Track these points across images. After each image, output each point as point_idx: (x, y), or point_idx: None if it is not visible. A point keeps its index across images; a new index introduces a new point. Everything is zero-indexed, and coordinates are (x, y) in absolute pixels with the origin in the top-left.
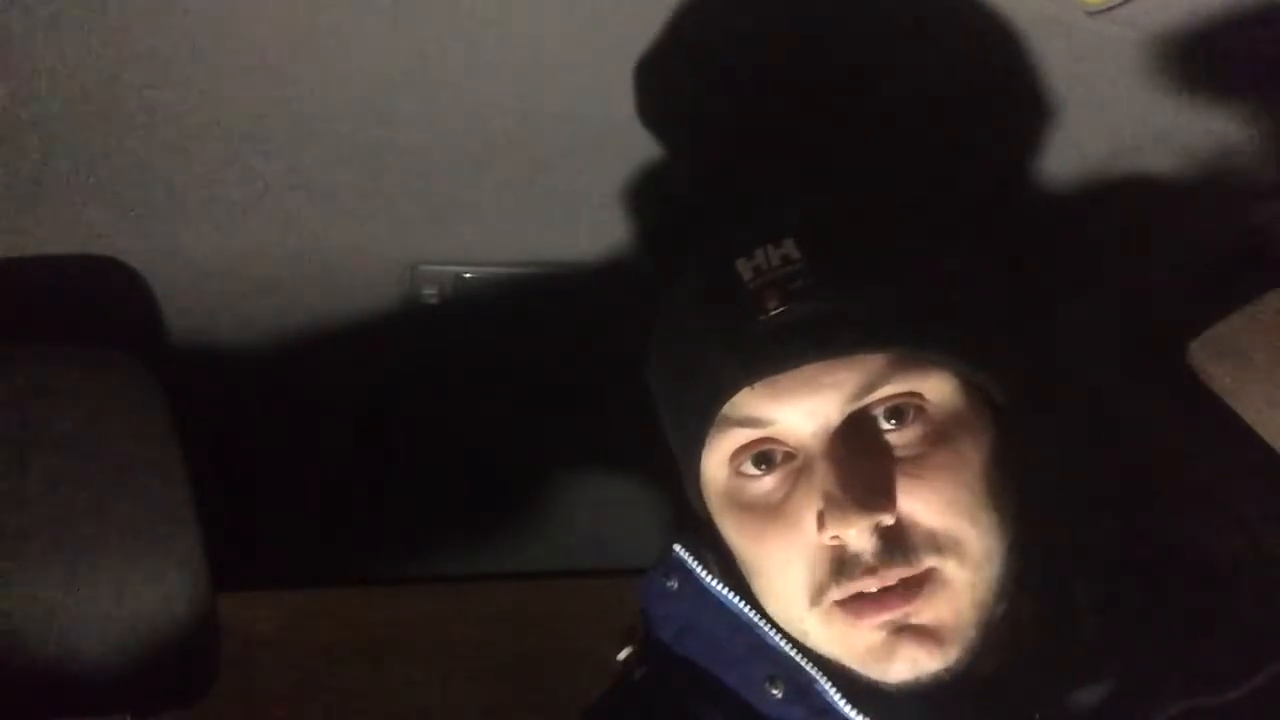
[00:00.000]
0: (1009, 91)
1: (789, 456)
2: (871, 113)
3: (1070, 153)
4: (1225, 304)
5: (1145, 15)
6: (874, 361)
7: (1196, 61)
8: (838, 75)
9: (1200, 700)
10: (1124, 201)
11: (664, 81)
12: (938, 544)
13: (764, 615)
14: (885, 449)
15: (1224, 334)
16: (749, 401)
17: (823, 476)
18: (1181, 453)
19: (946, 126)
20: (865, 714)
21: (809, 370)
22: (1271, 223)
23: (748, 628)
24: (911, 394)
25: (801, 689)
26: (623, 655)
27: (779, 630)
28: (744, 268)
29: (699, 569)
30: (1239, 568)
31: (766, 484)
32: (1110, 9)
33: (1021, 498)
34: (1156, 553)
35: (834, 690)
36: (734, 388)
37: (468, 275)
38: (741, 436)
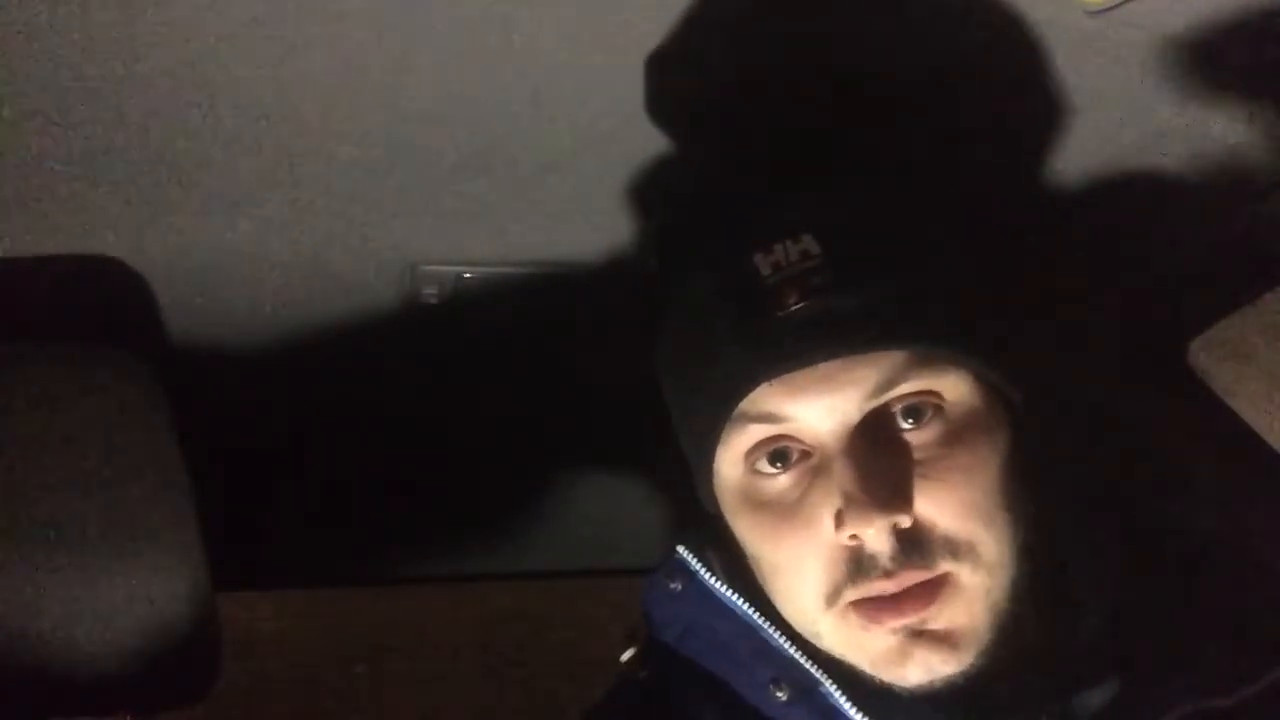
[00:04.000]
0: (1009, 91)
1: (805, 455)
2: (878, 111)
3: (1070, 152)
4: (1225, 304)
5: (1146, 15)
6: (893, 358)
7: (1197, 61)
8: (841, 74)
9: (1206, 702)
10: (1124, 201)
11: (670, 79)
12: (954, 548)
13: (768, 617)
14: (904, 448)
15: (1224, 334)
16: (766, 398)
17: (841, 475)
18: (1182, 453)
19: (948, 126)
20: (870, 716)
21: (828, 367)
22: (1271, 223)
23: (751, 630)
24: (929, 392)
25: (806, 691)
26: (625, 656)
27: (784, 632)
28: (762, 263)
29: (702, 571)
30: (1242, 568)
31: (782, 482)
32: (1110, 9)
33: (1033, 498)
34: (1159, 554)
35: (839, 693)
36: (752, 383)
37: (468, 275)
38: (758, 433)
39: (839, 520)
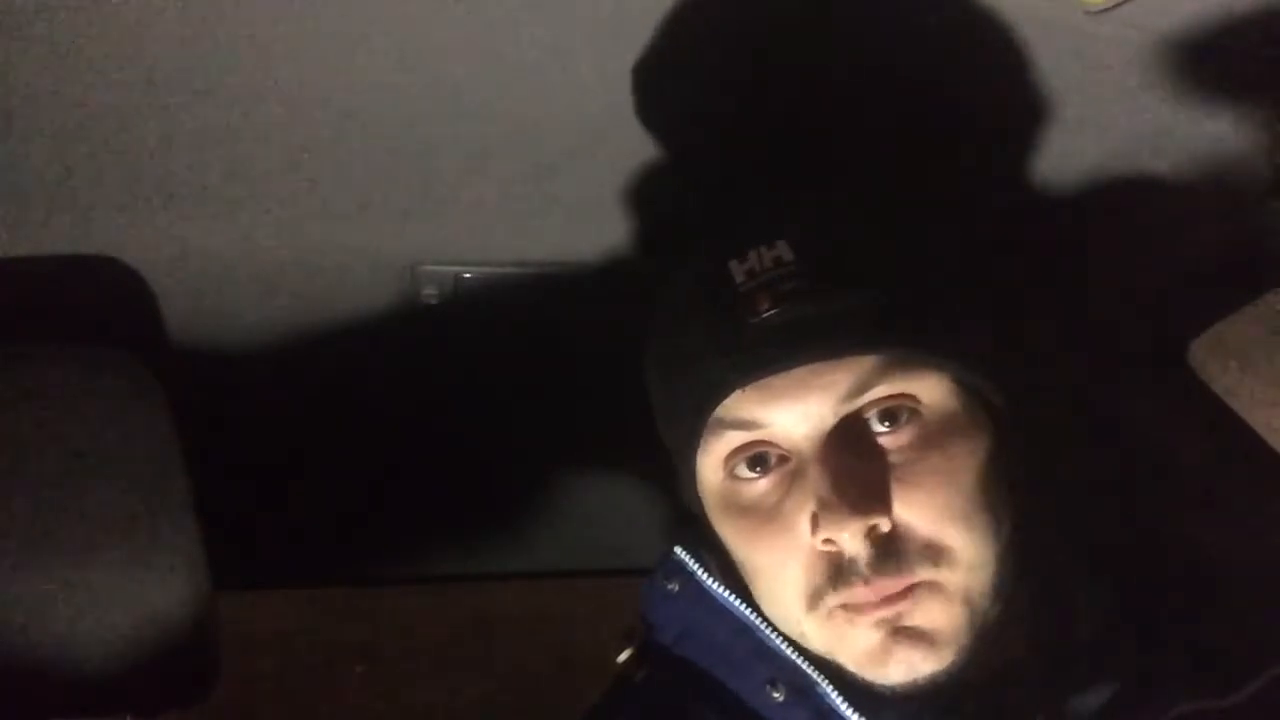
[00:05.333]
0: (1008, 92)
1: (783, 459)
2: (868, 114)
3: (1069, 153)
4: (1225, 304)
5: (1145, 15)
6: (866, 363)
7: (1196, 62)
8: (834, 76)
9: (1201, 703)
10: (1123, 202)
11: (663, 82)
12: (930, 553)
13: (765, 617)
14: (878, 452)
15: (1224, 334)
16: (741, 404)
17: (816, 480)
18: (1181, 453)
19: (944, 128)
20: (866, 717)
21: (801, 372)
22: (1271, 223)
23: (748, 630)
24: (905, 395)
25: (803, 691)
26: (622, 657)
27: (780, 633)
28: (736, 269)
29: (700, 572)
30: (1240, 569)
31: (761, 487)
32: (1110, 9)
33: (1019, 500)
34: (1156, 554)
35: (835, 693)
36: (726, 390)
37: (468, 275)
38: (735, 439)
39: (814, 524)
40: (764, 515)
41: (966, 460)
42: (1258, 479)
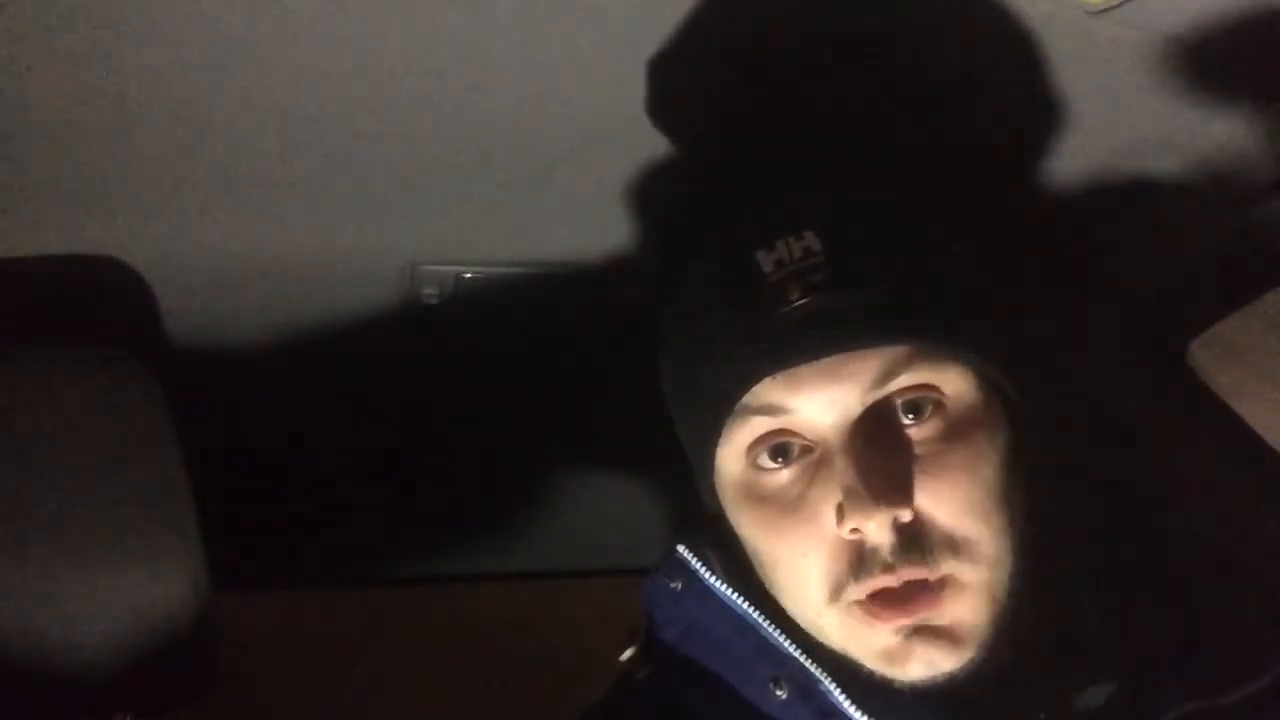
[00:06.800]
0: (1010, 91)
1: (806, 450)
2: (880, 109)
3: (1070, 152)
4: (1225, 304)
5: (1146, 15)
6: (893, 353)
7: (1197, 61)
8: (846, 72)
9: (1204, 702)
10: (1125, 201)
11: (672, 79)
12: (953, 546)
13: (768, 615)
14: (904, 443)
15: (1224, 334)
16: (769, 391)
17: (842, 469)
18: (1182, 453)
19: (951, 125)
20: (869, 715)
21: (829, 362)
22: (1271, 223)
23: (752, 629)
24: (929, 386)
25: (806, 690)
26: (626, 655)
27: (783, 630)
28: (765, 259)
29: (703, 570)
30: (1242, 568)
31: (784, 477)
32: (1111, 9)
33: (1031, 497)
34: (1159, 553)
35: (839, 691)
36: (755, 377)
37: (468, 275)
38: (760, 426)
39: (840, 514)
40: (786, 506)
41: (989, 454)
42: (1258, 479)
